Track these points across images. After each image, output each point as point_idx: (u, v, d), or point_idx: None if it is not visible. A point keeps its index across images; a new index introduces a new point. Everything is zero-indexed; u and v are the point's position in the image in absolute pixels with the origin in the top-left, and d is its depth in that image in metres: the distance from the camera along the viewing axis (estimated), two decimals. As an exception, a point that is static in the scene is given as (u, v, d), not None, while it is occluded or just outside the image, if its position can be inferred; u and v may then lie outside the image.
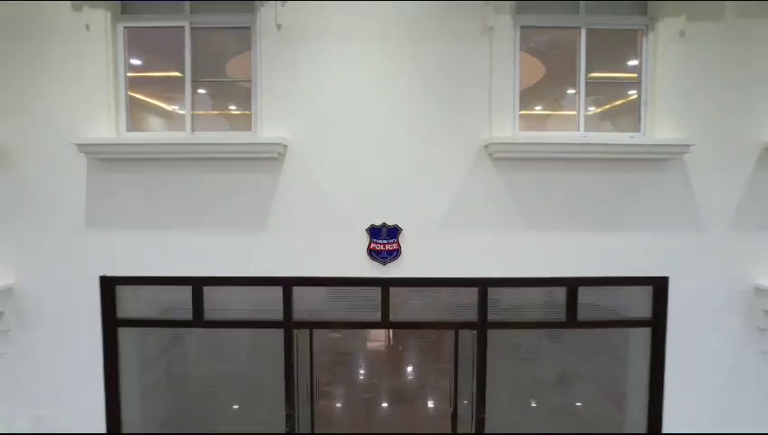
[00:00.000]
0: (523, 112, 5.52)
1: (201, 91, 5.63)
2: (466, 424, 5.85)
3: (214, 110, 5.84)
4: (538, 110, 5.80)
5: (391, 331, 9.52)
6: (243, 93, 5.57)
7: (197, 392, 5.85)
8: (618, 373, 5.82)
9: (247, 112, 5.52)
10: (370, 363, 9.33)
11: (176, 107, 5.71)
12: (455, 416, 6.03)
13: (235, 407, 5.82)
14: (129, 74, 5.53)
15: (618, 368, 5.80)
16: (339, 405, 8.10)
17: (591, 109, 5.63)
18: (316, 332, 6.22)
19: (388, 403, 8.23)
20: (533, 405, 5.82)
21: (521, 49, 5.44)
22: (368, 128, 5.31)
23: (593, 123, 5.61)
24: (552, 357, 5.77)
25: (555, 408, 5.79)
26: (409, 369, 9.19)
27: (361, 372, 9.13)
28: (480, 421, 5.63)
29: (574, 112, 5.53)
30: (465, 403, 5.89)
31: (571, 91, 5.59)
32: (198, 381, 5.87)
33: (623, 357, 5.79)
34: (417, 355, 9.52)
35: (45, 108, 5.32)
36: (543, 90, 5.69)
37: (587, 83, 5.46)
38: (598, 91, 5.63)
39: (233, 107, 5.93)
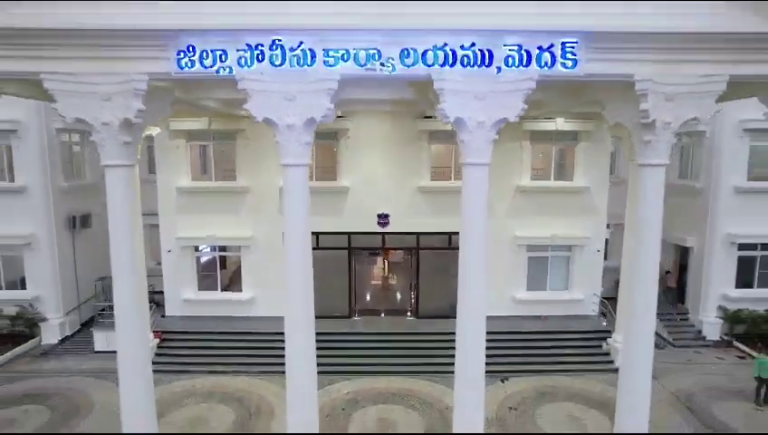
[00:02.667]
0: (433, 173, 15.23)
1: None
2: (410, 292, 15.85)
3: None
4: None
5: (387, 262, 19.19)
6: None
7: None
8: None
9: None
10: (376, 271, 19.04)
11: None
12: (413, 289, 16.03)
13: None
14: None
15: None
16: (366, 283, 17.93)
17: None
18: (356, 254, 16.13)
19: (383, 287, 18.09)
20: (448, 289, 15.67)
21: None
22: (382, 186, 15.05)
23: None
24: (446, 263, 15.57)
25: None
26: (392, 275, 18.92)
27: (373, 272, 18.82)
28: (417, 289, 15.62)
29: (452, 173, 15.21)
30: (413, 284, 15.88)
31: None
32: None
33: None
34: (395, 268, 19.10)
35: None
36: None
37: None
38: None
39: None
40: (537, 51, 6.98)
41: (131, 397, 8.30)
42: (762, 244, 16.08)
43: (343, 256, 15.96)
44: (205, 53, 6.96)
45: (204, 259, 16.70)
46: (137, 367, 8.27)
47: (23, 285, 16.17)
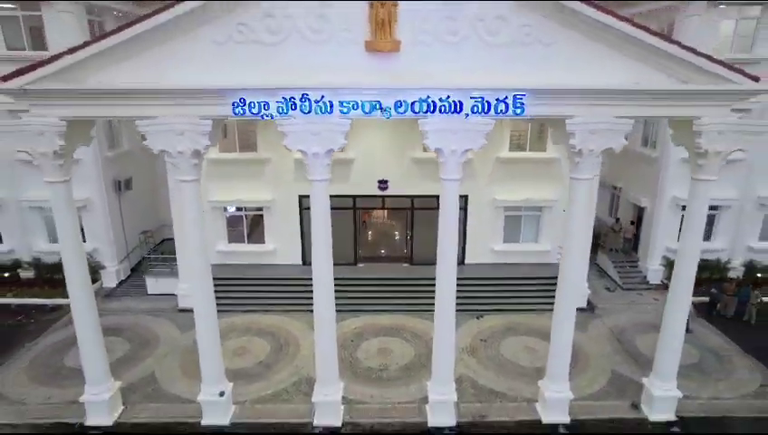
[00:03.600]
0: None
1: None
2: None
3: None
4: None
5: (385, 212, 22.19)
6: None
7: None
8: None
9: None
10: (378, 223, 22.16)
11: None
12: (408, 242, 19.18)
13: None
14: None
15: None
16: (368, 236, 21.12)
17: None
18: (360, 212, 19.12)
19: (384, 235, 21.28)
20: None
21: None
22: (382, 157, 17.68)
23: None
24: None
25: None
26: (394, 226, 22.05)
27: (374, 227, 21.97)
28: (411, 242, 18.76)
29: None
30: (408, 237, 18.99)
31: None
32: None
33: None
34: (395, 221, 22.20)
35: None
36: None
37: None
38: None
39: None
40: (495, 101, 9.51)
41: (206, 334, 11.58)
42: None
43: (350, 215, 18.95)
44: (252, 104, 9.47)
45: (230, 217, 19.70)
46: (207, 309, 11.40)
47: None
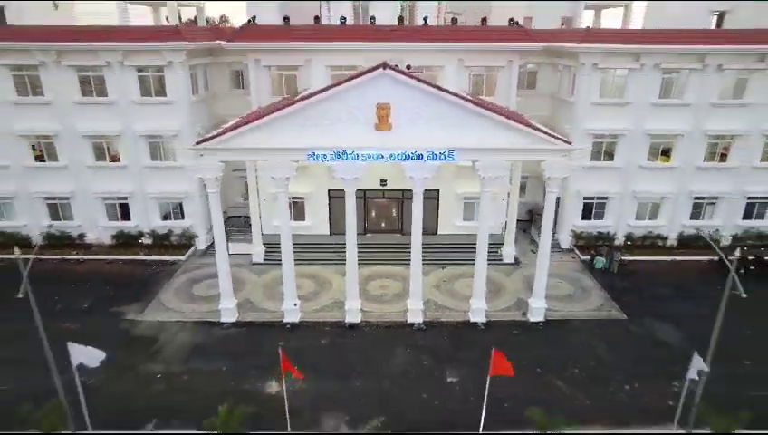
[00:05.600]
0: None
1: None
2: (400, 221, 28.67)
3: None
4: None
5: (384, 199, 31.63)
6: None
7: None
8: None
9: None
10: (380, 207, 31.64)
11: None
12: (400, 219, 28.84)
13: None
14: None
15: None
16: (373, 215, 30.67)
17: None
18: (367, 199, 28.70)
19: (383, 216, 30.82)
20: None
21: (411, 146, 27.15)
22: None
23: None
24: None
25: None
26: (390, 209, 31.51)
27: (378, 210, 31.52)
28: (402, 220, 28.40)
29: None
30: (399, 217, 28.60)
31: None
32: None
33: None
34: (391, 206, 31.57)
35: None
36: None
37: (424, 152, 27.13)
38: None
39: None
40: (439, 154, 18.92)
41: (287, 271, 21.34)
42: (597, 197, 28.60)
43: (361, 202, 28.43)
44: (318, 155, 18.80)
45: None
46: (290, 258, 21.17)
47: (183, 217, 29.05)
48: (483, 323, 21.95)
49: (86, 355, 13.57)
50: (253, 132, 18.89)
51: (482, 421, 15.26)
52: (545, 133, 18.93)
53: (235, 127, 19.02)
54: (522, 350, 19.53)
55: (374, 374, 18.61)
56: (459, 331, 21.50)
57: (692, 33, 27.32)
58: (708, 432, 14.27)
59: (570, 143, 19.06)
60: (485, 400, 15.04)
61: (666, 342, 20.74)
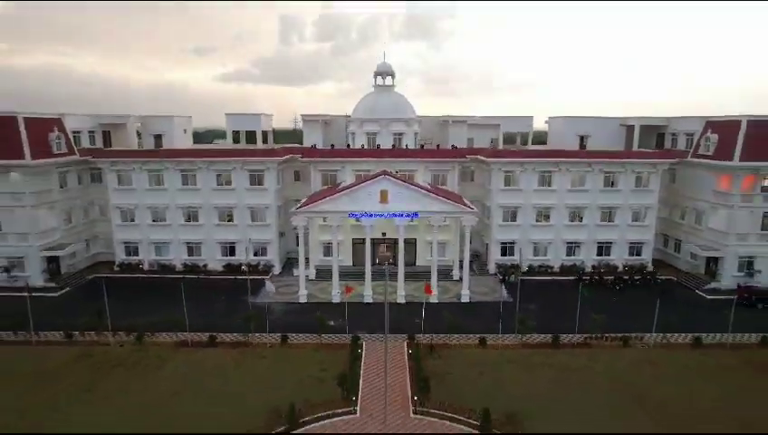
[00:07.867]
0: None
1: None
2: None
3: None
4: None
5: (385, 244, 51.68)
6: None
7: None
8: (412, 249, 48.63)
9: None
10: (382, 248, 51.56)
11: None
12: (394, 256, 49.15)
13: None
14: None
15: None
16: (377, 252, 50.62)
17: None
18: (374, 244, 49.10)
19: (384, 253, 50.73)
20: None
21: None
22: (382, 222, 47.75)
23: (408, 220, 48.02)
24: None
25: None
26: (388, 249, 51.41)
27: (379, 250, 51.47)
28: (395, 256, 48.74)
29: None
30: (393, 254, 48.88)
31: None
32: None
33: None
34: (389, 248, 51.50)
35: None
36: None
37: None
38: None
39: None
40: (411, 214, 39.70)
41: (335, 275, 41.12)
42: (508, 242, 49.01)
43: (370, 245, 48.52)
44: (354, 214, 39.69)
45: (324, 245, 49.41)
46: (336, 271, 41.01)
47: (266, 255, 49.30)
48: (436, 303, 41.53)
49: (271, 286, 33.74)
50: (324, 203, 39.81)
51: (422, 323, 34.73)
52: (460, 203, 39.83)
53: (314, 201, 39.90)
54: (456, 311, 39.07)
55: (379, 318, 38.01)
56: (425, 305, 41.27)
57: (556, 151, 49.44)
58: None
59: (473, 209, 39.86)
60: (423, 312, 34.67)
61: (529, 309, 40.25)
